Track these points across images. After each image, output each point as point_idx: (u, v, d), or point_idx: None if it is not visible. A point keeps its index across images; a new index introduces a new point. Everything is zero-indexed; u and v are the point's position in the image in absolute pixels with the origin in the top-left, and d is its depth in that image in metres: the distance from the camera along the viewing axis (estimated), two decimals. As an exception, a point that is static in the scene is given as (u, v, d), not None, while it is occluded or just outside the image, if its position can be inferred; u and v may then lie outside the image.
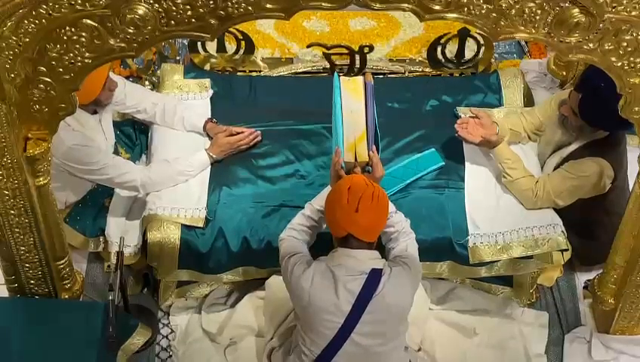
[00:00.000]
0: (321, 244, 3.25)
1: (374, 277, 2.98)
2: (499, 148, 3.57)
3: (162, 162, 3.61)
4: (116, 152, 3.73)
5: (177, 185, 3.58)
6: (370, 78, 3.36)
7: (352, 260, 3.00)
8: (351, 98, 3.33)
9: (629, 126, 3.15)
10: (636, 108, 2.77)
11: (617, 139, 3.52)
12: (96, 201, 3.72)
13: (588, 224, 3.66)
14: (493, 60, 4.37)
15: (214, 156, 3.63)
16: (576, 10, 2.49)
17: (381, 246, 3.19)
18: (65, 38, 2.51)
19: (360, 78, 3.39)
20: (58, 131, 3.22)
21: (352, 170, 3.25)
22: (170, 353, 3.64)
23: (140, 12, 2.45)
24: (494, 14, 2.51)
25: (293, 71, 4.27)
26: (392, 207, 3.23)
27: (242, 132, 3.70)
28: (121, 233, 3.54)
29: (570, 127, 3.56)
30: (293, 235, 3.17)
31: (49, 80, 2.61)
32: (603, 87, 3.22)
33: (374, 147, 3.27)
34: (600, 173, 3.47)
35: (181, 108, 3.77)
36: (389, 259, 3.13)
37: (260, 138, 3.74)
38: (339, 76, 3.42)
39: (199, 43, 4.20)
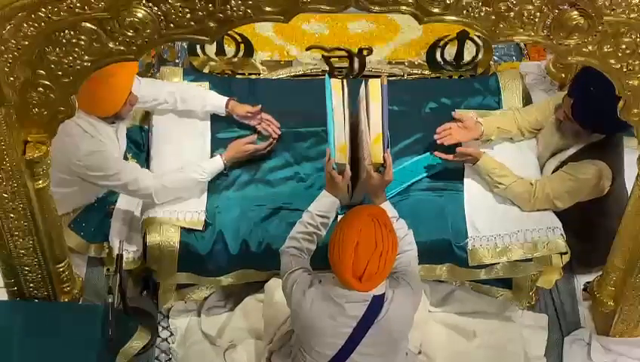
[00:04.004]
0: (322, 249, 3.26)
1: (377, 304, 2.95)
2: (482, 161, 3.55)
3: (176, 170, 3.56)
4: (125, 159, 3.71)
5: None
6: (385, 81, 3.39)
7: (353, 293, 2.95)
8: (339, 99, 3.39)
9: (624, 128, 3.18)
10: (635, 111, 2.77)
11: (614, 141, 3.52)
12: (103, 208, 3.71)
13: (586, 226, 3.66)
14: (492, 63, 4.37)
15: (228, 162, 3.60)
16: (575, 12, 2.49)
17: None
18: (64, 41, 2.51)
19: (377, 81, 3.41)
20: (74, 137, 3.25)
21: (344, 171, 3.25)
22: (170, 356, 3.64)
23: (140, 15, 2.46)
24: (493, 17, 2.52)
25: (292, 73, 4.26)
26: (393, 212, 3.23)
27: (257, 115, 3.72)
28: (124, 239, 3.54)
29: (567, 131, 3.57)
30: (294, 245, 3.14)
31: (48, 83, 2.61)
32: (594, 91, 3.28)
33: (388, 150, 3.28)
34: (598, 175, 3.47)
35: (200, 91, 3.77)
36: (392, 270, 3.09)
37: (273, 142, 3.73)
38: (330, 78, 3.45)
39: (198, 46, 4.20)
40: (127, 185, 3.46)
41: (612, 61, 2.63)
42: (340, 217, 3.36)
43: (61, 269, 3.27)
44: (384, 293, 2.97)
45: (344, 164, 3.26)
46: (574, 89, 3.46)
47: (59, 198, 3.48)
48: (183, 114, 3.80)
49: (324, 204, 3.24)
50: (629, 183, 3.19)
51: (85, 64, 2.57)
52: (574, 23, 2.50)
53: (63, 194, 3.50)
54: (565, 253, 3.54)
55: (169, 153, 3.70)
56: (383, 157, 3.26)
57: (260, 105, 3.76)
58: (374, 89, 3.38)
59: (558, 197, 3.52)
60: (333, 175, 3.24)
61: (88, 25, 2.47)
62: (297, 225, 3.21)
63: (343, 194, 3.37)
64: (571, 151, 3.57)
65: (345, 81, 3.50)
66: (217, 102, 3.76)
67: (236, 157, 3.62)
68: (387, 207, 3.22)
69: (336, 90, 3.41)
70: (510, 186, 3.54)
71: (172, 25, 2.49)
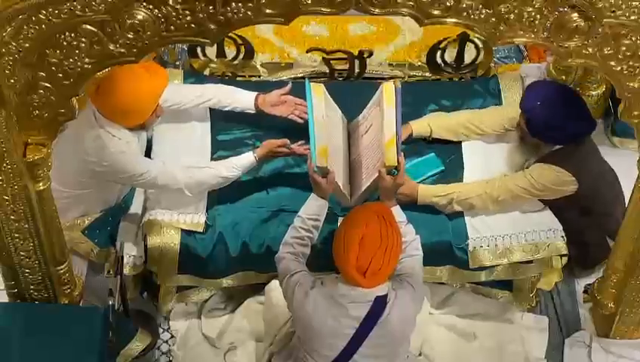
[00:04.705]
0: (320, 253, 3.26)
1: (379, 305, 2.96)
2: (420, 195, 3.52)
3: (204, 166, 3.56)
4: None
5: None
6: (398, 84, 3.40)
7: (356, 292, 2.97)
8: (320, 103, 3.41)
9: (580, 135, 3.40)
10: (636, 113, 2.77)
11: (575, 146, 3.53)
12: (117, 217, 3.70)
13: (571, 229, 3.65)
14: (492, 65, 4.37)
15: (260, 159, 3.56)
16: (575, 14, 2.49)
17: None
18: (65, 43, 2.51)
19: (391, 84, 3.42)
20: (102, 138, 3.23)
21: (328, 174, 3.25)
22: (170, 358, 3.65)
23: (140, 17, 2.45)
24: (493, 19, 2.52)
25: (292, 76, 4.26)
26: (403, 217, 3.24)
27: (290, 102, 3.72)
28: (129, 246, 3.53)
29: (529, 144, 3.61)
30: (289, 250, 3.16)
31: (49, 85, 2.60)
32: (540, 105, 3.41)
33: (402, 153, 3.29)
34: (555, 180, 3.48)
35: (227, 91, 3.75)
36: (395, 273, 3.09)
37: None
38: (309, 82, 3.48)
39: (199, 48, 4.20)
40: (157, 180, 3.43)
41: (612, 63, 2.63)
42: (340, 220, 3.37)
43: (62, 271, 3.26)
44: (387, 294, 2.97)
45: (325, 167, 3.27)
46: (523, 106, 3.51)
47: (74, 201, 3.48)
48: (183, 116, 3.80)
49: (312, 206, 3.26)
50: (630, 184, 3.18)
51: (86, 66, 2.57)
52: (574, 25, 2.50)
53: (77, 196, 3.49)
54: (565, 255, 3.54)
55: (169, 155, 3.69)
56: (398, 160, 3.27)
57: (290, 84, 3.76)
58: (388, 92, 3.39)
59: (518, 186, 3.49)
60: (316, 178, 3.25)
61: (89, 27, 2.47)
62: (290, 230, 3.23)
63: (340, 194, 3.38)
64: (534, 159, 3.61)
65: (324, 84, 3.51)
66: (246, 99, 3.73)
67: (268, 156, 3.57)
68: (397, 211, 3.24)
69: (316, 94, 3.42)
70: (463, 193, 3.50)
71: (172, 27, 2.49)
